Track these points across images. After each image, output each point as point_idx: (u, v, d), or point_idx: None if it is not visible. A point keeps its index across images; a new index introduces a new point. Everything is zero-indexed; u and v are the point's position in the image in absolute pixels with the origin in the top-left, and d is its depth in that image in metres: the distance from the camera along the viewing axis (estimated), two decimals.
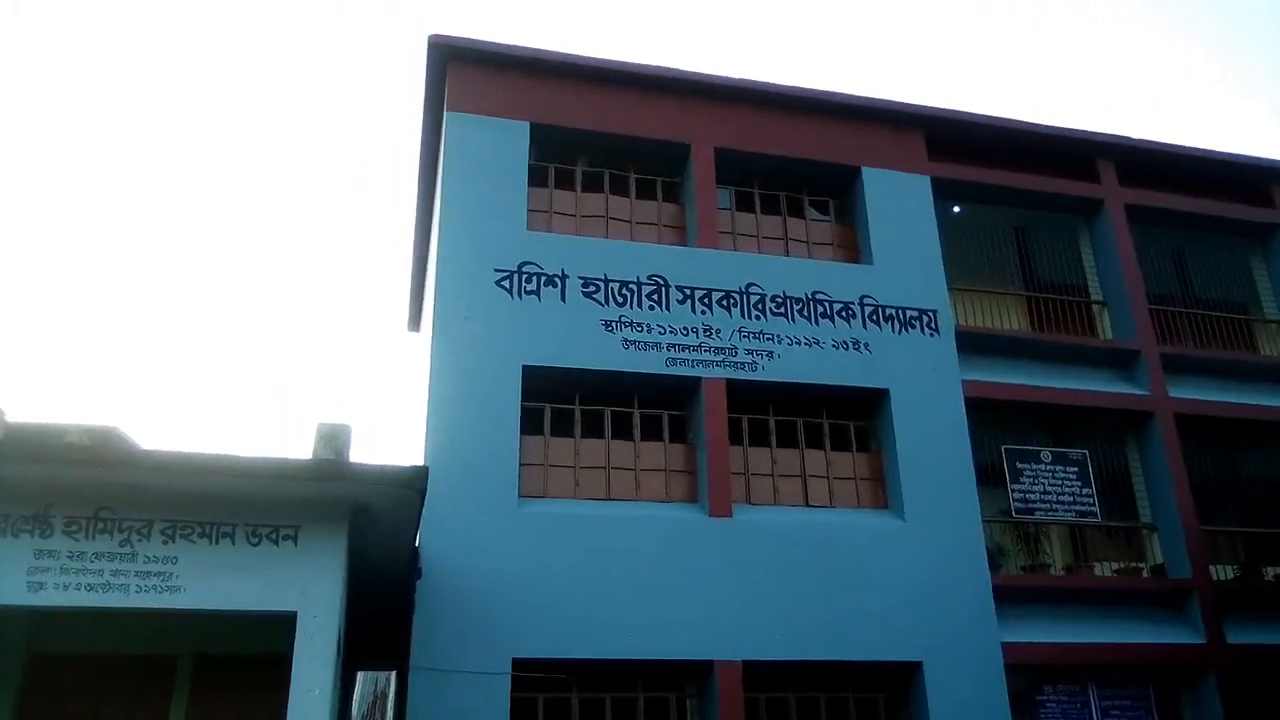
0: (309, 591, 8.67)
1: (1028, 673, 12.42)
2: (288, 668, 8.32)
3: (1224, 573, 14.20)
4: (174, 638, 9.88)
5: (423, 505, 9.17)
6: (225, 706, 9.58)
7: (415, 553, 10.71)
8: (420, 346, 13.10)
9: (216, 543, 8.64)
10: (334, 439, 9.00)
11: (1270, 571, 14.52)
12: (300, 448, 11.65)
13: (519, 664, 10.66)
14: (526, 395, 11.67)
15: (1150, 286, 15.25)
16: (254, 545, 8.73)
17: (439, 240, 12.26)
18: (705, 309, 12.57)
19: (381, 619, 11.73)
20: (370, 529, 9.46)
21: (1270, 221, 16.01)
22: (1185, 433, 14.06)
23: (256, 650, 9.49)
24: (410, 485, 8.75)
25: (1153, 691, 12.92)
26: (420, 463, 11.00)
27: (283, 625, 8.52)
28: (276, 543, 8.78)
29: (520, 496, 11.43)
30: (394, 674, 13.94)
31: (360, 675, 18.14)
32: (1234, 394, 14.65)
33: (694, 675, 11.44)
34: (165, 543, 8.50)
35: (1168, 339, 14.94)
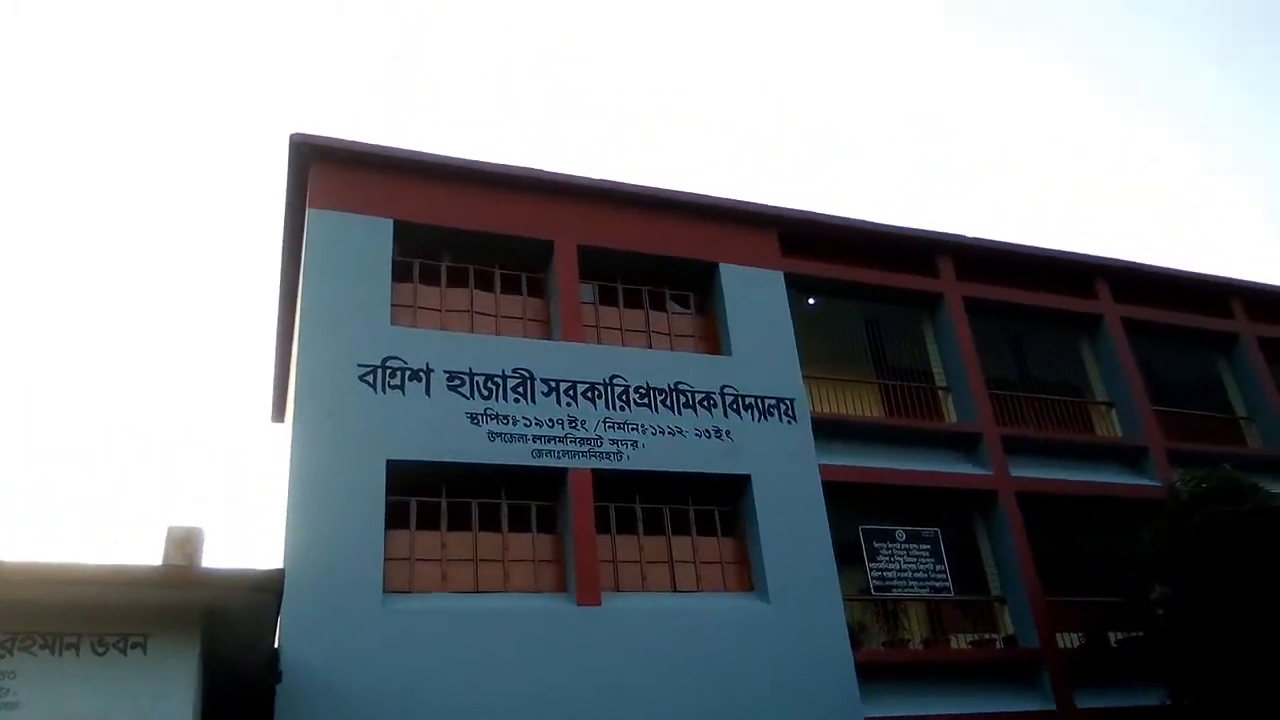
0: (160, 701, 8.43)
1: None
2: None
3: (1071, 640, 15.01)
4: None
5: (279, 607, 9.04)
6: None
7: (275, 655, 10.47)
8: (283, 439, 12.96)
9: (59, 654, 8.35)
10: (186, 542, 8.86)
11: (1113, 637, 15.38)
12: (151, 552, 11.34)
13: None
14: (391, 489, 11.68)
15: (991, 372, 16.34)
16: (100, 655, 8.47)
17: (300, 336, 12.29)
18: (570, 400, 12.89)
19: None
20: (225, 633, 9.27)
21: (1095, 312, 17.42)
22: (1027, 509, 14.97)
23: None
24: (265, 588, 8.67)
25: None
26: (280, 562, 10.86)
27: None
28: (124, 652, 8.54)
29: (385, 592, 11.32)
30: None
31: None
32: (1071, 472, 15.70)
33: None
34: (3, 655, 8.16)
35: (1008, 421, 15.97)
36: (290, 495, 11.25)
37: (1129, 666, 12.60)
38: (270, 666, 10.45)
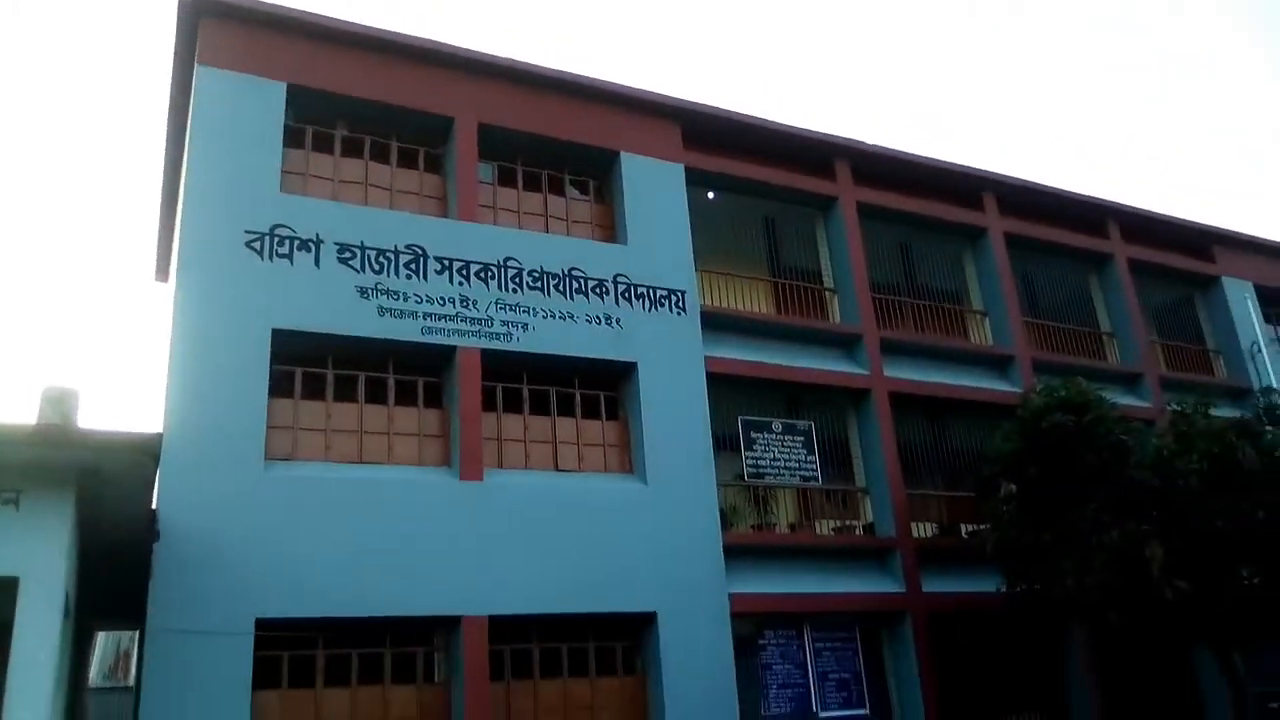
0: (32, 557, 8.51)
1: (752, 620, 13.75)
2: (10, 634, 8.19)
3: (926, 530, 16.14)
4: None
5: (156, 470, 9.15)
6: None
7: (152, 515, 10.60)
8: (167, 300, 12.77)
9: None
10: (60, 402, 8.81)
11: (966, 529, 16.57)
12: (27, 413, 11.21)
13: (262, 624, 10.78)
14: (277, 358, 11.71)
15: (878, 276, 16.95)
16: None
17: (185, 198, 12.02)
18: (463, 280, 12.99)
19: (119, 581, 11.54)
20: (102, 493, 9.35)
21: (980, 225, 18.09)
22: (897, 408, 15.83)
23: None
24: (143, 450, 8.72)
25: (858, 633, 14.60)
26: (161, 423, 10.90)
27: (7, 591, 8.35)
28: None
29: (267, 459, 11.47)
30: (137, 634, 13.63)
31: (101, 635, 17.52)
32: (942, 374, 16.59)
33: (441, 629, 11.95)
34: None
35: (890, 324, 16.68)
36: (172, 358, 11.21)
37: (974, 556, 13.64)
38: (148, 525, 10.60)
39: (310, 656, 11.30)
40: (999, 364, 17.36)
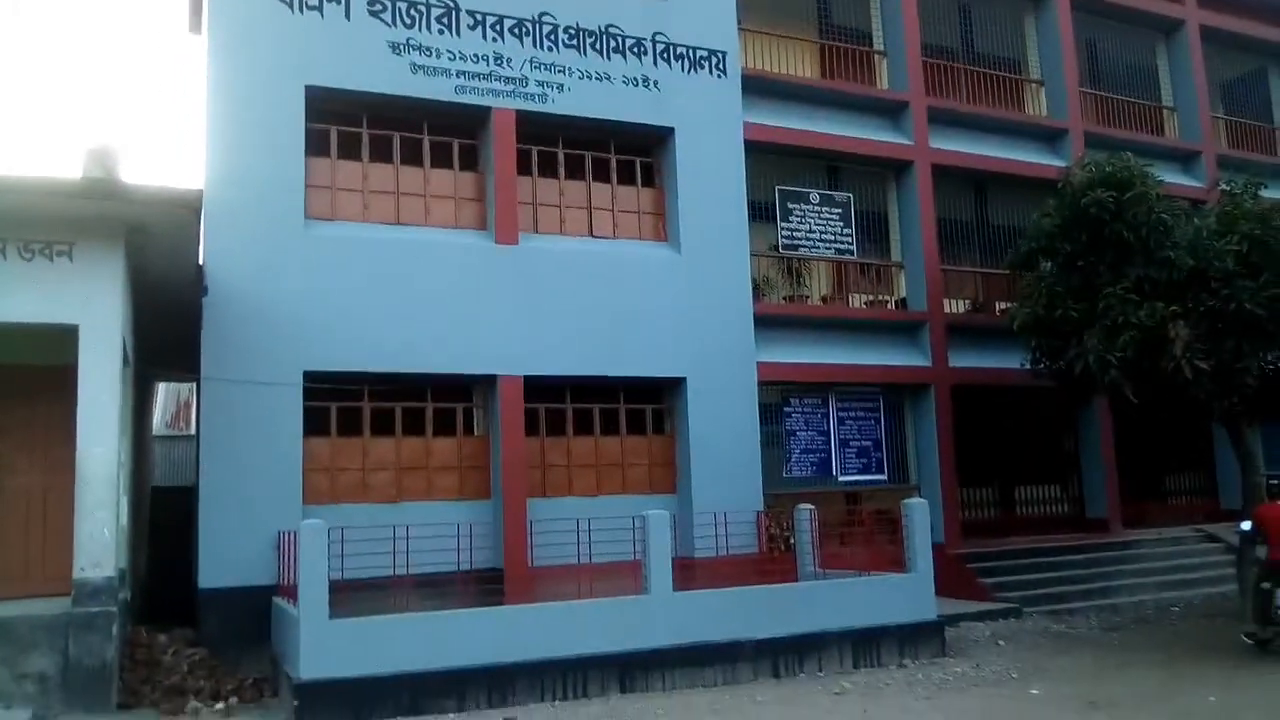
0: (89, 305, 9.03)
1: (779, 387, 14.32)
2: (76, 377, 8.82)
3: (960, 307, 16.38)
4: None
5: (199, 225, 9.46)
6: (20, 411, 9.97)
7: (200, 270, 11.05)
8: (201, 52, 12.66)
9: None
10: (104, 158, 9.05)
11: (999, 307, 16.76)
12: (72, 170, 11.46)
13: (310, 376, 11.45)
14: (311, 116, 11.76)
15: (932, 39, 16.29)
16: (27, 261, 8.92)
17: None
18: (496, 36, 12.70)
19: (174, 334, 12.17)
20: (149, 248, 9.77)
21: None
22: (940, 180, 15.67)
23: (47, 361, 9.78)
24: (186, 206, 9.05)
25: (882, 404, 15.19)
26: (202, 179, 11.13)
27: (70, 338, 8.91)
28: (51, 258, 8.99)
29: (307, 218, 11.78)
30: (195, 386, 14.51)
31: (161, 387, 18.62)
32: (989, 147, 16.26)
33: (480, 387, 12.60)
34: None
35: (940, 92, 16.19)
36: (209, 114, 11.31)
37: (1003, 334, 13.88)
38: (196, 280, 11.07)
39: (357, 408, 12.02)
40: (1051, 137, 16.94)
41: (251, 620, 10.39)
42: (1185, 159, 17.97)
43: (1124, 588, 14.23)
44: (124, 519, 10.56)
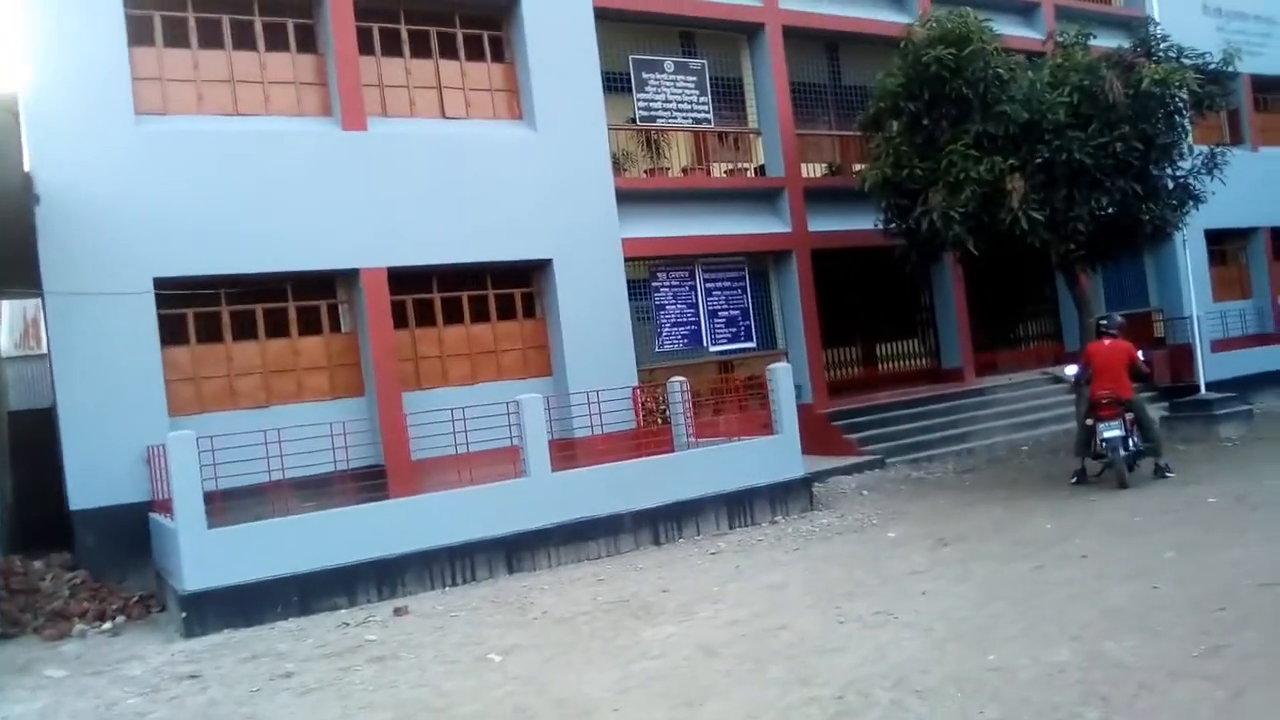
0: None
1: (645, 263, 14.70)
2: None
3: (817, 171, 16.92)
4: None
5: (18, 129, 9.02)
6: None
7: (28, 178, 10.56)
8: None
9: None
10: None
11: (855, 170, 17.35)
12: None
13: (160, 282, 11.21)
14: (130, 2, 11.15)
15: None
16: None
17: None
18: None
19: (11, 249, 11.63)
20: None
21: None
22: (792, 41, 15.99)
23: None
24: (4, 108, 8.60)
25: (747, 273, 15.77)
26: (21, 82, 10.49)
27: None
28: None
29: (138, 114, 11.32)
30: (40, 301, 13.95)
31: (5, 305, 17.76)
32: (839, 6, 16.61)
33: (342, 283, 12.56)
34: None
35: None
36: (21, 11, 10.58)
37: (859, 197, 14.46)
38: (26, 188, 10.57)
39: (215, 313, 11.87)
40: None
41: (129, 538, 10.45)
42: (1025, 10, 18.75)
43: (978, 432, 15.51)
44: None
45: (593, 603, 8.02)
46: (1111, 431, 10.75)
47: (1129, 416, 10.94)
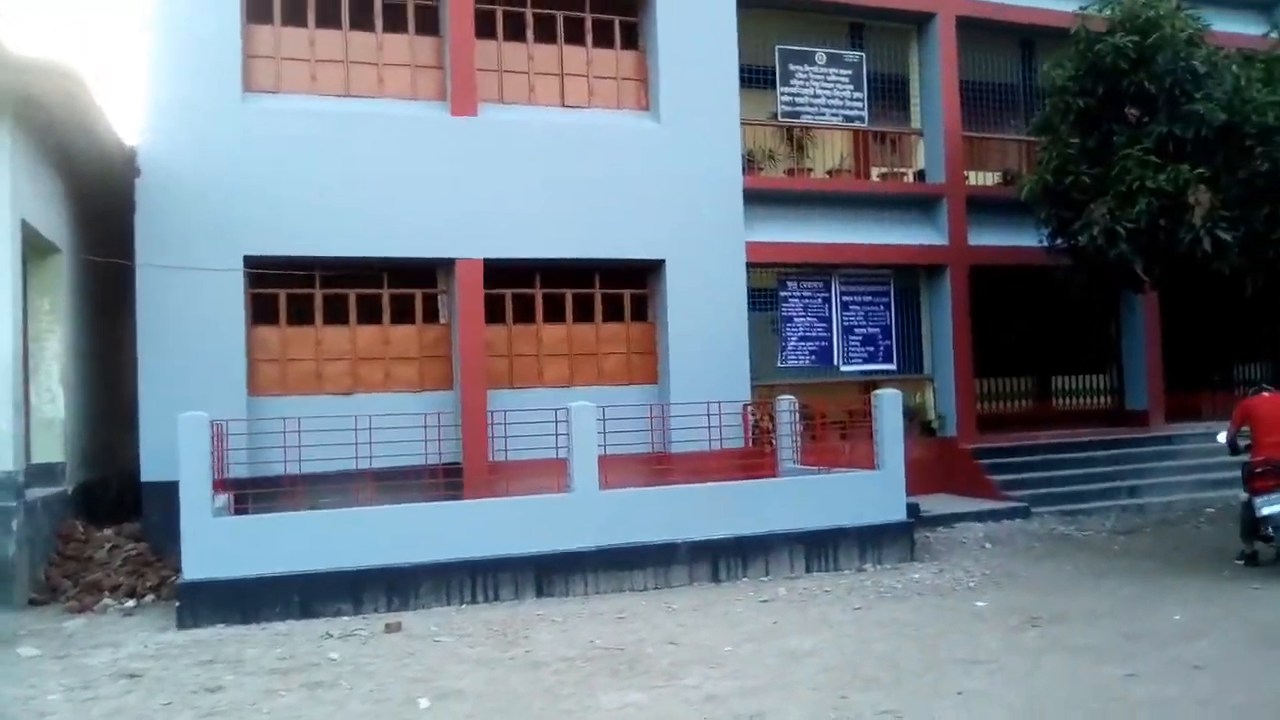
0: None
1: (774, 270, 13.37)
2: None
3: (989, 180, 14.96)
4: None
5: (90, 98, 8.96)
6: None
7: (132, 151, 10.63)
8: None
9: None
10: None
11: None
12: None
13: (252, 261, 11.06)
14: None
15: None
16: None
17: None
18: None
19: (113, 220, 11.83)
20: (56, 125, 9.41)
21: None
22: (971, 36, 14.17)
23: None
24: (67, 75, 8.54)
25: (893, 285, 14.06)
26: (136, 56, 10.62)
27: None
28: None
29: (247, 91, 11.23)
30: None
31: None
32: None
33: (442, 273, 12.06)
34: None
35: None
36: None
37: (1029, 209, 12.55)
38: (128, 160, 10.65)
39: (308, 295, 11.62)
40: None
41: None
42: (1265, 6, 15.81)
43: (1154, 487, 13.21)
44: (60, 410, 10.47)
45: (587, 646, 6.92)
46: (1272, 507, 8.50)
47: None
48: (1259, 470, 8.71)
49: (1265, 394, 9.20)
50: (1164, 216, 9.69)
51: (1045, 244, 11.81)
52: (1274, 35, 11.14)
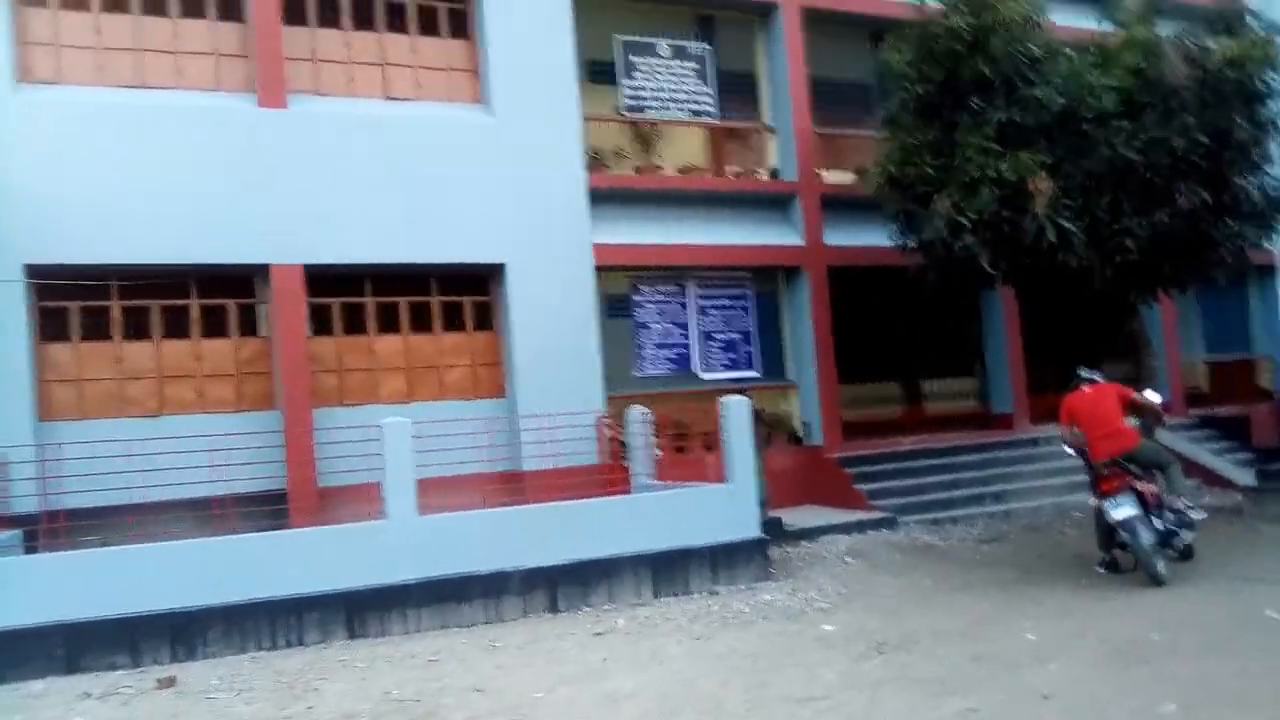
0: None
1: (624, 274, 12.73)
2: None
3: (846, 177, 14.63)
4: None
5: None
6: None
7: None
8: None
9: None
10: None
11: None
12: None
13: (36, 271, 9.94)
14: None
15: None
16: None
17: None
18: None
19: None
20: None
21: None
22: (814, 27, 13.83)
23: None
24: None
25: (752, 290, 13.60)
26: None
27: None
28: None
29: (20, 81, 10.08)
30: None
31: None
32: None
33: (260, 282, 11.03)
34: None
35: None
36: None
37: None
38: None
39: (104, 308, 10.49)
40: None
41: None
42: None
43: (1020, 492, 12.98)
44: None
45: (380, 699, 6.07)
46: (1122, 510, 8.04)
47: (1143, 486, 8.15)
48: (1104, 472, 8.27)
49: (1085, 389, 8.77)
50: (1007, 207, 9.39)
51: (894, 241, 11.49)
52: (1108, 27, 11.01)
